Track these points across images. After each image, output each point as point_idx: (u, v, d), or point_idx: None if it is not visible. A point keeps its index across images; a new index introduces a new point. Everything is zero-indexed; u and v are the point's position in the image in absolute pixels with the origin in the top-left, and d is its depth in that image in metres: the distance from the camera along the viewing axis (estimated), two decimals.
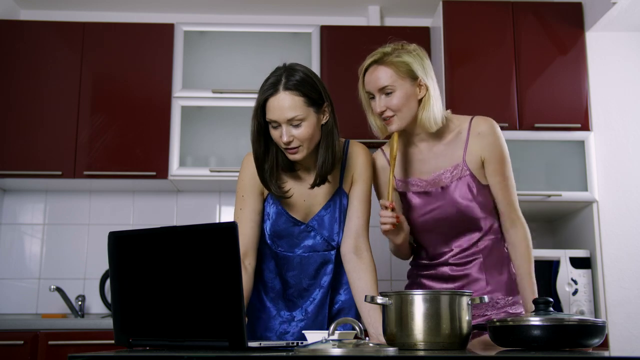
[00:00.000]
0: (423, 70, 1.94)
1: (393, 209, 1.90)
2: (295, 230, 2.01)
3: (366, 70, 1.97)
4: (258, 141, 1.93)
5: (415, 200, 2.02)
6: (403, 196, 2.05)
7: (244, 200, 2.01)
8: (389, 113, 1.94)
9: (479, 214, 1.98)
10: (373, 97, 1.97)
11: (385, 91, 1.93)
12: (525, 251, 1.97)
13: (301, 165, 2.01)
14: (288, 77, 1.87)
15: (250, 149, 1.98)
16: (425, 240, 2.06)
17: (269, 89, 1.87)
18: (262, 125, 1.92)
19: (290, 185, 2.00)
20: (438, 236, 2.02)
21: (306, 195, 2.01)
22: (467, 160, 1.98)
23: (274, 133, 1.90)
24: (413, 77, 1.93)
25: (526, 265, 1.96)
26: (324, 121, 1.94)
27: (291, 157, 1.92)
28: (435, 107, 1.95)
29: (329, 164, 1.93)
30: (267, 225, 2.02)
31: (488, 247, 2.01)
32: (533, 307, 1.85)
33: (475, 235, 2.00)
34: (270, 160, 1.95)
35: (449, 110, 2.06)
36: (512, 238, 1.99)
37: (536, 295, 1.91)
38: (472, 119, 2.02)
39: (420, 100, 1.95)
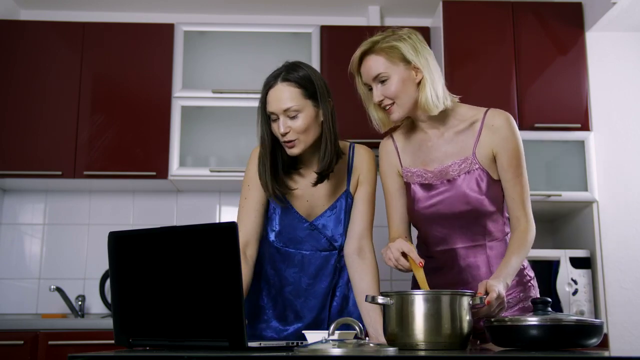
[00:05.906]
0: (415, 52, 1.87)
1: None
2: (298, 227, 2.01)
3: (359, 63, 1.92)
4: (263, 137, 1.95)
5: (418, 192, 1.94)
6: (408, 186, 1.98)
7: (249, 190, 2.01)
8: (387, 102, 1.88)
9: (489, 208, 1.90)
10: (371, 89, 1.92)
11: (379, 79, 1.87)
12: (521, 242, 1.83)
13: (303, 165, 2.00)
14: (288, 70, 1.92)
15: (256, 145, 2.02)
16: (428, 234, 1.98)
17: (269, 81, 1.92)
18: (267, 120, 1.95)
19: (293, 186, 2.00)
20: (442, 230, 1.94)
21: (309, 196, 2.01)
22: (477, 153, 1.90)
23: (274, 126, 1.92)
24: (406, 62, 1.87)
25: (515, 254, 1.82)
26: (322, 118, 1.93)
27: (289, 151, 1.93)
28: (435, 88, 1.88)
29: (328, 160, 1.93)
30: (275, 219, 2.02)
31: (495, 248, 1.94)
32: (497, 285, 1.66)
33: (482, 239, 1.93)
34: (271, 159, 1.95)
35: (457, 98, 1.96)
36: (514, 233, 1.89)
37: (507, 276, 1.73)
38: (487, 111, 1.94)
39: (418, 84, 1.88)
